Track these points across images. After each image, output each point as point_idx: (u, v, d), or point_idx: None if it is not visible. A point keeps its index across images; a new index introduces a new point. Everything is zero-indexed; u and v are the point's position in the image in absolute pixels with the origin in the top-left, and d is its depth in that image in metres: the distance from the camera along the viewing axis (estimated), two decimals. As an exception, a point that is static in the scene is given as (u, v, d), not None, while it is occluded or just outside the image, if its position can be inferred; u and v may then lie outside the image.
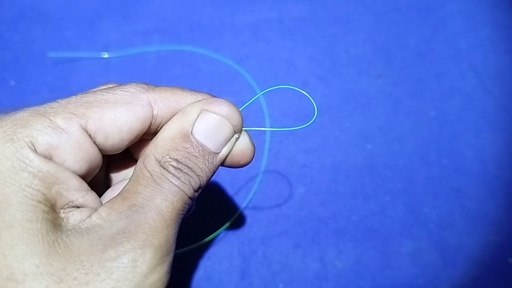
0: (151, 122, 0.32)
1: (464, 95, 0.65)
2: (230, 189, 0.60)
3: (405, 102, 0.65)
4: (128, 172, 0.37)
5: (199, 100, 0.33)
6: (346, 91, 0.66)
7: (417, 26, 0.70)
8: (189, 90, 0.34)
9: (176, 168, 0.30)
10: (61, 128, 0.29)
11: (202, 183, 0.31)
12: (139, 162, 0.31)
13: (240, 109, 0.33)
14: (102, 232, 0.28)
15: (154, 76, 0.67)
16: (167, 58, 0.68)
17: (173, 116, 0.32)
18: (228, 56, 0.68)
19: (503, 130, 0.63)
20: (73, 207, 0.29)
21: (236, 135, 0.33)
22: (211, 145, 0.31)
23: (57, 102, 0.30)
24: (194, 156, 0.31)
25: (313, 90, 0.66)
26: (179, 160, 0.30)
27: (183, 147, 0.31)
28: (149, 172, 0.30)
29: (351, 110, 0.65)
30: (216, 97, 0.33)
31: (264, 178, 0.60)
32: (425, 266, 0.56)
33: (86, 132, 0.30)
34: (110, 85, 0.33)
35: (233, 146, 0.33)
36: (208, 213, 0.58)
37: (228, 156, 0.33)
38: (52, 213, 0.27)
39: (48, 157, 0.28)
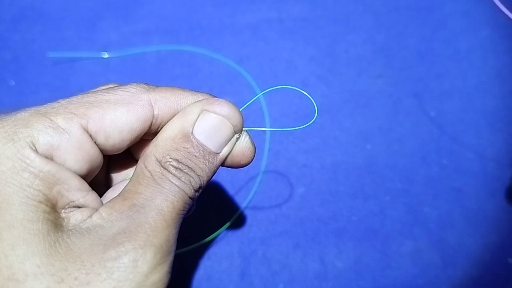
0: (151, 122, 0.32)
1: (464, 95, 0.65)
2: (230, 189, 0.60)
3: (405, 102, 0.65)
4: (128, 172, 0.37)
5: (200, 100, 0.33)
6: (346, 91, 0.66)
7: (417, 26, 0.70)
8: (190, 90, 0.34)
9: (176, 168, 0.30)
10: (62, 128, 0.29)
11: (202, 183, 0.31)
12: (140, 162, 0.31)
13: (240, 109, 0.33)
14: (103, 232, 0.28)
15: (154, 76, 0.67)
16: (167, 58, 0.68)
17: (174, 116, 0.32)
18: (228, 56, 0.68)
19: (503, 130, 0.63)
20: (74, 207, 0.29)
21: (236, 135, 0.33)
22: (211, 145, 0.31)
23: (58, 102, 0.30)
24: (195, 156, 0.31)
25: (313, 90, 0.66)
26: (180, 160, 0.30)
27: (184, 147, 0.31)
28: (150, 172, 0.30)
29: (351, 110, 0.65)
30: (216, 97, 0.33)
31: (264, 178, 0.60)
32: (425, 266, 0.56)
33: (87, 132, 0.30)
34: (110, 85, 0.33)
35: (234, 146, 0.33)
36: (208, 213, 0.58)
37: (229, 156, 0.33)
38: (53, 213, 0.28)
39: (49, 157, 0.28)
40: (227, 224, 0.58)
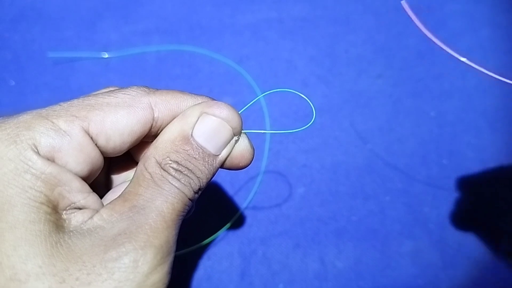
0: (151, 125, 0.32)
1: (464, 95, 0.65)
2: (230, 190, 0.60)
3: (405, 102, 0.65)
4: (129, 174, 0.37)
5: (199, 103, 0.33)
6: (346, 91, 0.66)
7: (417, 26, 0.70)
8: (189, 93, 0.34)
9: (176, 170, 0.30)
10: (63, 131, 0.29)
11: (202, 185, 0.32)
12: (140, 164, 0.31)
13: (240, 111, 0.34)
14: (104, 233, 0.28)
15: (154, 76, 0.67)
16: (167, 58, 0.68)
17: (174, 118, 0.32)
18: (228, 56, 0.68)
19: (503, 130, 0.63)
20: (75, 208, 0.29)
21: (235, 138, 0.33)
22: (210, 147, 0.32)
23: (59, 105, 0.30)
24: (194, 158, 0.31)
25: (313, 90, 0.66)
26: (179, 162, 0.30)
27: (183, 149, 0.31)
28: (150, 174, 0.30)
29: (351, 110, 0.65)
30: (216, 100, 0.33)
31: (264, 178, 0.61)
32: (425, 266, 0.57)
33: (88, 134, 0.30)
34: (111, 88, 0.33)
35: (233, 148, 0.33)
36: (208, 213, 0.58)
37: (228, 158, 0.34)
38: (55, 214, 0.28)
39: (51, 159, 0.28)
40: (228, 225, 0.58)
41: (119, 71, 0.67)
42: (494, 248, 0.57)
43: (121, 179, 0.37)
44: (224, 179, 0.60)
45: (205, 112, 0.32)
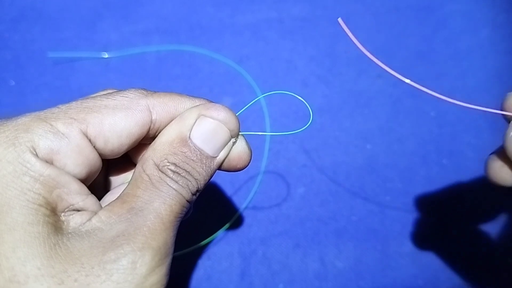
0: (149, 127, 0.32)
1: (464, 95, 0.65)
2: (230, 189, 0.60)
3: (405, 102, 0.65)
4: (127, 176, 0.37)
5: (197, 105, 0.33)
6: (346, 91, 0.66)
7: (417, 26, 0.70)
8: (187, 95, 0.34)
9: (174, 172, 0.30)
10: (61, 133, 0.29)
11: (199, 187, 0.32)
12: (138, 166, 0.31)
13: (239, 112, 0.34)
14: (102, 234, 0.28)
15: (154, 76, 0.67)
16: (167, 58, 0.68)
17: (172, 121, 0.33)
18: (228, 56, 0.68)
19: (503, 130, 0.63)
20: (74, 210, 0.29)
21: (233, 139, 0.33)
22: (208, 149, 0.32)
23: (58, 108, 0.30)
24: (192, 160, 0.31)
25: (313, 90, 0.66)
26: (177, 164, 0.31)
27: (181, 151, 0.31)
28: (148, 176, 0.30)
29: (351, 110, 0.65)
30: (214, 102, 0.34)
31: (264, 178, 0.61)
32: (425, 266, 0.57)
33: (86, 137, 0.30)
34: (109, 91, 0.34)
35: (230, 150, 0.34)
36: (208, 213, 0.58)
37: (225, 160, 0.34)
38: (53, 216, 0.28)
39: (49, 162, 0.29)
40: (228, 224, 0.58)
41: (119, 71, 0.67)
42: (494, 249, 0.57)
43: (119, 181, 0.37)
44: (224, 179, 0.60)
45: (202, 114, 0.32)
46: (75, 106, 0.30)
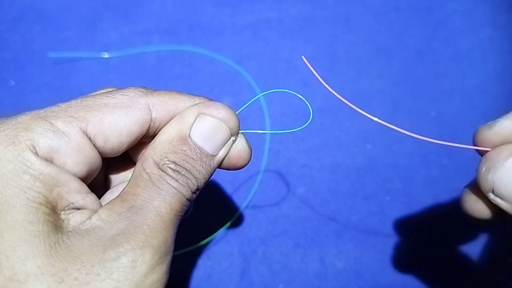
0: (149, 125, 0.32)
1: (464, 95, 0.65)
2: (230, 189, 0.60)
3: (405, 102, 0.65)
4: (127, 175, 0.37)
5: (197, 103, 0.33)
6: (346, 91, 0.65)
7: (417, 26, 0.70)
8: (187, 93, 0.34)
9: (174, 170, 0.30)
10: (61, 132, 0.29)
11: (199, 185, 0.32)
12: (138, 164, 0.32)
13: (238, 111, 0.34)
14: (102, 233, 0.28)
15: (154, 76, 0.67)
16: (167, 58, 0.68)
17: (171, 119, 0.33)
18: (228, 56, 0.68)
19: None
20: (74, 209, 0.29)
21: (233, 138, 0.33)
22: (208, 148, 0.32)
23: (58, 106, 0.30)
24: (192, 158, 0.31)
25: (313, 90, 0.66)
26: (177, 162, 0.31)
27: (181, 150, 0.31)
28: (148, 174, 0.30)
29: (351, 110, 0.64)
30: (213, 100, 0.34)
31: (264, 178, 0.61)
32: (425, 266, 0.57)
33: (86, 135, 0.30)
34: (109, 89, 0.34)
35: (230, 148, 0.34)
36: (208, 213, 0.58)
37: (225, 159, 0.34)
38: (53, 214, 0.28)
39: (49, 160, 0.29)
40: (228, 224, 0.58)
41: (119, 71, 0.67)
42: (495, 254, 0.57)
43: (119, 180, 0.37)
44: (224, 179, 0.60)
45: (202, 113, 0.32)
46: (75, 105, 0.30)
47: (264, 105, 0.64)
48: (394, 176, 0.61)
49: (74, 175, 0.30)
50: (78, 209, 0.29)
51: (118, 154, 0.33)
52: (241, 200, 0.60)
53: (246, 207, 0.59)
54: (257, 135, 0.60)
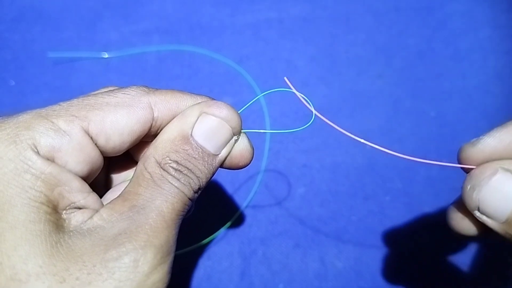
0: (151, 125, 0.32)
1: (464, 95, 0.65)
2: (230, 189, 0.60)
3: (405, 102, 0.65)
4: (128, 174, 0.37)
5: (199, 102, 0.33)
6: (346, 91, 0.66)
7: (417, 26, 0.70)
8: (189, 93, 0.34)
9: (176, 169, 0.30)
10: (63, 131, 0.29)
11: (201, 185, 0.32)
12: (140, 164, 0.31)
13: (239, 111, 0.34)
14: (104, 232, 0.28)
15: (154, 76, 0.67)
16: (167, 58, 0.68)
17: (173, 118, 0.33)
18: (228, 56, 0.68)
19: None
20: (75, 208, 0.29)
21: (235, 137, 0.33)
22: (210, 147, 0.32)
23: (59, 105, 0.30)
24: (194, 158, 0.31)
25: (313, 90, 0.66)
26: (179, 161, 0.30)
27: (183, 149, 0.31)
28: (150, 173, 0.30)
29: (351, 110, 0.65)
30: (215, 99, 0.33)
31: (264, 178, 0.61)
32: (425, 266, 0.57)
33: (88, 134, 0.30)
34: (111, 88, 0.33)
35: (232, 148, 0.33)
36: (208, 213, 0.58)
37: (227, 158, 0.34)
38: (55, 214, 0.28)
39: (51, 159, 0.28)
40: (227, 224, 0.58)
41: (119, 71, 0.67)
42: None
43: (121, 179, 0.37)
44: (224, 179, 0.60)
45: (204, 112, 0.32)
46: (76, 104, 0.30)
47: (264, 105, 0.64)
48: (394, 176, 0.61)
49: (76, 174, 0.29)
50: (80, 208, 0.29)
51: (120, 153, 0.33)
52: (241, 200, 0.60)
53: (246, 207, 0.59)
54: (257, 135, 0.60)
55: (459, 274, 0.56)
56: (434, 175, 0.61)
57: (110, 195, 0.35)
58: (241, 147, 0.34)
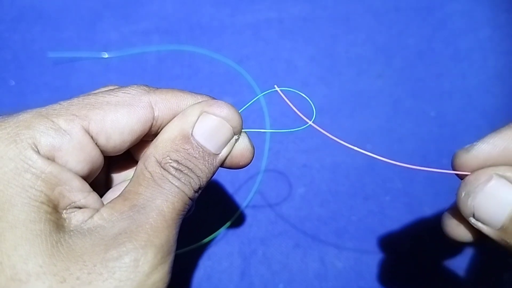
0: (152, 124, 0.32)
1: (464, 95, 0.65)
2: (230, 189, 0.60)
3: (405, 102, 0.65)
4: (128, 173, 0.37)
5: (199, 102, 0.33)
6: (346, 91, 0.66)
7: (417, 26, 0.70)
8: (190, 92, 0.34)
9: (176, 169, 0.30)
10: (63, 130, 0.29)
11: (202, 184, 0.32)
12: (140, 163, 0.31)
13: (241, 110, 0.34)
14: (104, 232, 0.28)
15: (154, 76, 0.67)
16: (167, 58, 0.68)
17: (174, 117, 0.32)
18: (228, 56, 0.68)
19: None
20: (75, 207, 0.29)
21: (235, 137, 0.33)
22: (211, 147, 0.32)
23: (59, 104, 0.30)
24: (194, 157, 0.31)
25: (313, 90, 0.66)
26: (179, 161, 0.30)
27: (183, 148, 0.31)
28: (150, 173, 0.30)
29: (351, 110, 0.65)
30: (216, 99, 0.33)
31: (264, 178, 0.61)
32: (425, 265, 0.57)
33: (88, 133, 0.30)
34: (111, 87, 0.33)
35: (233, 147, 0.33)
36: (208, 212, 0.58)
37: (228, 157, 0.34)
38: (55, 213, 0.28)
39: (51, 159, 0.28)
40: (227, 224, 0.58)
41: (119, 71, 0.67)
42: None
43: (121, 178, 0.37)
44: (224, 178, 0.60)
45: (205, 111, 0.32)
46: (76, 103, 0.30)
47: (264, 105, 0.64)
48: (394, 176, 0.61)
49: (76, 173, 0.29)
50: (80, 208, 0.29)
51: (120, 153, 0.33)
52: (241, 200, 0.60)
53: (246, 207, 0.59)
54: (257, 134, 0.59)
55: (459, 274, 0.56)
56: (434, 175, 0.61)
57: (110, 195, 0.35)
58: (242, 147, 0.34)
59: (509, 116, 0.64)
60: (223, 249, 0.57)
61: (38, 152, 0.28)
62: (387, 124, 0.64)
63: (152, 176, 0.30)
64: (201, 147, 0.31)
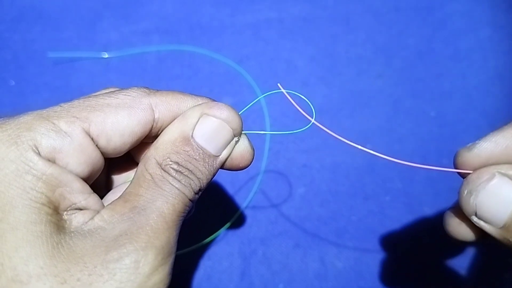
0: (152, 126, 0.32)
1: (464, 95, 0.66)
2: (230, 189, 0.60)
3: (405, 102, 0.65)
4: (129, 175, 0.37)
5: (200, 104, 0.33)
6: (346, 91, 0.66)
7: (417, 26, 0.70)
8: (190, 94, 0.34)
9: (176, 171, 0.30)
10: (64, 132, 0.29)
11: (202, 186, 0.32)
12: (140, 165, 0.31)
13: (240, 112, 0.34)
14: (105, 234, 0.28)
15: (154, 76, 0.67)
16: (167, 58, 0.68)
17: (174, 119, 0.33)
18: (228, 56, 0.68)
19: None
20: (76, 209, 0.29)
21: (235, 138, 0.33)
22: (211, 148, 0.32)
23: (60, 106, 0.30)
24: (195, 159, 0.31)
25: (313, 90, 0.66)
26: (180, 163, 0.31)
27: (184, 150, 0.31)
28: (150, 174, 0.30)
29: (351, 110, 0.65)
30: (216, 101, 0.34)
31: (264, 178, 0.61)
32: (425, 265, 0.57)
33: (89, 135, 0.30)
34: (111, 89, 0.34)
35: (233, 149, 0.34)
36: (208, 213, 0.58)
37: (228, 159, 0.34)
38: (56, 215, 0.28)
39: (52, 160, 0.28)
40: (228, 224, 0.58)
41: (119, 71, 0.67)
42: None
43: (122, 180, 0.37)
44: (224, 179, 0.60)
45: (205, 113, 0.32)
46: (77, 105, 0.30)
47: (264, 106, 0.64)
48: (394, 176, 0.61)
49: (77, 175, 0.30)
50: (81, 209, 0.29)
51: (121, 155, 0.33)
52: (241, 200, 0.60)
53: (246, 207, 0.59)
54: (257, 135, 0.60)
55: (459, 274, 0.56)
56: (434, 175, 0.61)
57: (110, 196, 0.35)
58: (242, 148, 0.34)
59: (509, 116, 0.64)
60: (223, 249, 0.57)
61: (39, 154, 0.28)
62: (387, 124, 0.64)
63: (152, 177, 0.30)
64: (201, 149, 0.31)
